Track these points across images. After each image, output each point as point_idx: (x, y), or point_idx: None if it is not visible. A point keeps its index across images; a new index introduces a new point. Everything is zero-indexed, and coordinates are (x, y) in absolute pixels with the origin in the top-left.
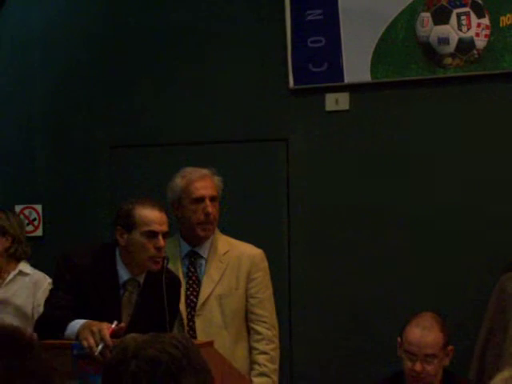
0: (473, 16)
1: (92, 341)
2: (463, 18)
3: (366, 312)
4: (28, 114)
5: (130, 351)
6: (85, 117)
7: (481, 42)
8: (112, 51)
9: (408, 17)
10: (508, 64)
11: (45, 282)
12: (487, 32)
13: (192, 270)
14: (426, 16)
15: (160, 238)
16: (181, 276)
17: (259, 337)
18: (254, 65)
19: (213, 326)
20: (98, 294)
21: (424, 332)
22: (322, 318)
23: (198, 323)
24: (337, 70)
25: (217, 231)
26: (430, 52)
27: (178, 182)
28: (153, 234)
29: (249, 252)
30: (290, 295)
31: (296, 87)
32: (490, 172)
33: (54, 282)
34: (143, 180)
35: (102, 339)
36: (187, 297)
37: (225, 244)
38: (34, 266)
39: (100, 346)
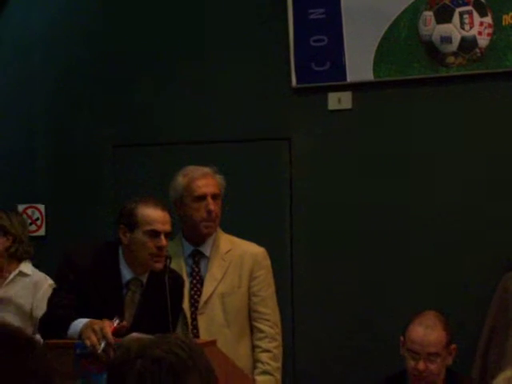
0: (475, 15)
1: (94, 339)
2: (466, 16)
3: (369, 310)
4: (30, 113)
5: (133, 351)
6: (87, 116)
7: (483, 41)
8: (113, 51)
9: (411, 15)
10: (511, 62)
11: (45, 283)
12: (490, 31)
13: (196, 269)
14: (428, 15)
15: (162, 237)
16: (185, 276)
17: (262, 335)
18: (256, 64)
19: (215, 324)
20: (100, 294)
21: (427, 331)
22: (324, 317)
23: (201, 321)
24: (339, 69)
25: (219, 230)
26: (432, 51)
27: (180, 180)
28: (155, 234)
29: (251, 250)
30: (292, 293)
31: (298, 86)
32: (492, 171)
33: (57, 282)
34: (146, 179)
35: (104, 337)
36: (191, 296)
37: (227, 242)
38: (37, 265)
39: (102, 344)
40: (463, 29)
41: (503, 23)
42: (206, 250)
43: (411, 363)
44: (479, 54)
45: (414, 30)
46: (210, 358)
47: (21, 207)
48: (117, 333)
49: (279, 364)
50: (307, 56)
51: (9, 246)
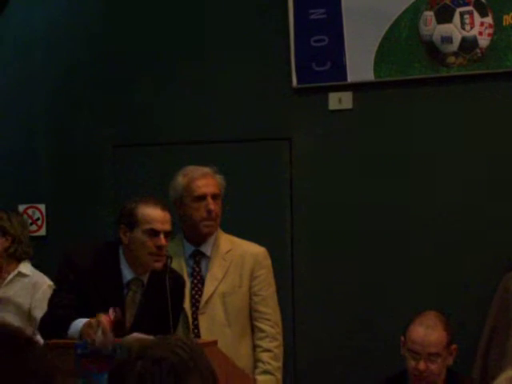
0: (476, 15)
1: (91, 332)
2: (466, 16)
3: (369, 310)
4: (31, 113)
5: (134, 352)
6: (87, 116)
7: (484, 41)
8: (114, 51)
9: (411, 15)
10: (511, 63)
11: (44, 283)
12: (490, 31)
13: (197, 269)
14: (429, 15)
15: (161, 236)
16: (185, 276)
17: (263, 334)
18: (257, 64)
19: (216, 324)
20: (101, 294)
21: (427, 331)
22: (325, 316)
23: (202, 321)
24: (340, 69)
25: (219, 230)
26: (433, 51)
27: (180, 180)
28: (154, 233)
29: (252, 250)
30: (293, 293)
31: (299, 86)
32: (492, 171)
33: (57, 282)
34: (146, 179)
35: (99, 327)
36: (192, 296)
37: (228, 242)
38: (38, 265)
39: (99, 333)
40: (464, 29)
41: (504, 23)
42: (207, 249)
43: (412, 363)
44: (480, 54)
45: (414, 30)
46: (210, 359)
47: (21, 207)
48: (117, 327)
49: (280, 364)
50: (308, 56)
51: (8, 247)
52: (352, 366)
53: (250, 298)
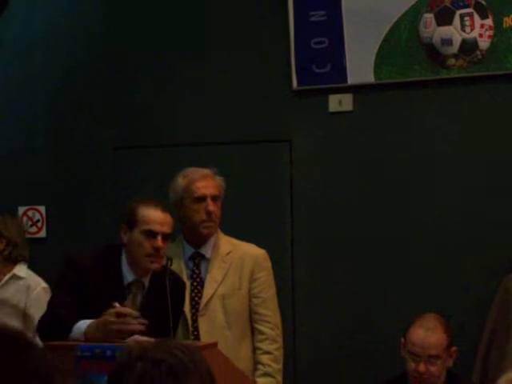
0: (476, 17)
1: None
2: (466, 18)
3: (369, 312)
4: (31, 115)
5: (134, 354)
6: (87, 118)
7: (484, 43)
8: (114, 52)
9: (411, 18)
10: (511, 65)
11: (38, 285)
12: (490, 33)
13: (196, 271)
14: (429, 17)
15: (159, 238)
16: (185, 278)
17: (263, 336)
18: (257, 66)
19: (216, 326)
20: (102, 295)
21: (428, 333)
22: (325, 318)
23: (202, 323)
24: (340, 71)
25: (219, 231)
26: (433, 53)
27: (180, 181)
28: (151, 234)
29: (252, 252)
30: (293, 295)
31: (299, 88)
32: (493, 173)
33: (58, 283)
34: (146, 181)
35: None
36: (192, 298)
37: (227, 244)
38: (38, 267)
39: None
40: (464, 31)
41: (504, 25)
42: (207, 251)
43: (412, 365)
44: (480, 57)
45: (414, 32)
46: (209, 361)
47: (21, 209)
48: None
49: (280, 366)
50: (308, 58)
51: (2, 249)
52: (352, 367)
53: (250, 300)
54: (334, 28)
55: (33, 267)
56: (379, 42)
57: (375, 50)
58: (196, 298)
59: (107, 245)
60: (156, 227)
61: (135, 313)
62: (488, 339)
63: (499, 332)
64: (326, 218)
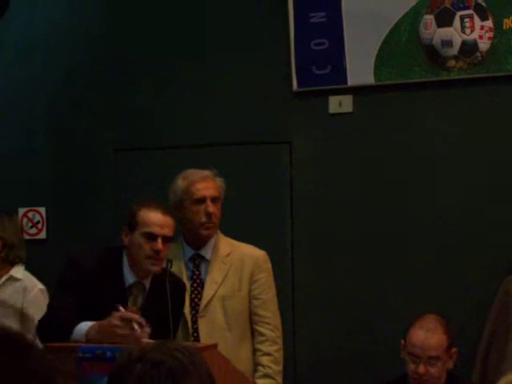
0: (476, 18)
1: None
2: (466, 20)
3: (369, 314)
4: (31, 116)
5: (133, 355)
6: (88, 119)
7: (484, 45)
8: (115, 54)
9: (411, 19)
10: (511, 66)
11: (35, 287)
12: (490, 34)
13: (196, 273)
14: (429, 18)
15: (159, 241)
16: (185, 279)
17: (263, 338)
18: (257, 67)
19: (216, 327)
20: (103, 296)
21: (428, 334)
22: (325, 320)
23: (202, 325)
24: (340, 73)
25: (219, 233)
26: (433, 54)
27: (180, 183)
28: (152, 236)
29: (252, 253)
30: (293, 297)
31: (299, 90)
32: (493, 174)
33: (59, 284)
34: (147, 183)
35: (134, 320)
36: (192, 300)
37: (227, 245)
38: (38, 268)
39: (135, 326)
40: (464, 32)
41: (504, 27)
42: (207, 253)
43: (412, 367)
44: (480, 58)
45: (414, 34)
46: (209, 363)
47: (21, 210)
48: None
49: (280, 367)
50: (308, 59)
51: None
52: (352, 369)
53: (250, 302)
54: (334, 29)
55: (33, 269)
56: (379, 43)
57: (375, 52)
58: (196, 300)
59: (109, 246)
60: (156, 230)
61: (140, 319)
62: (487, 341)
63: (499, 334)
64: (326, 219)
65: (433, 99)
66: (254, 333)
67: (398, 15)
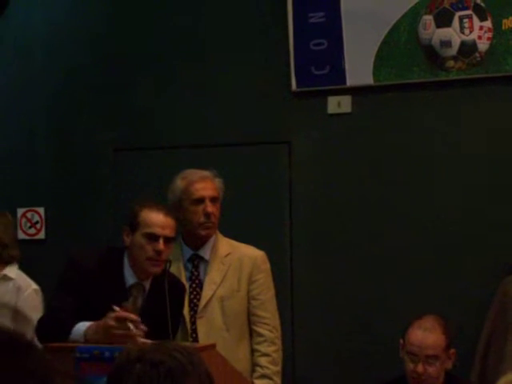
0: (475, 19)
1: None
2: (465, 20)
3: (368, 314)
4: (31, 116)
5: (133, 355)
6: (88, 119)
7: (483, 45)
8: (115, 54)
9: (410, 20)
10: (510, 67)
11: (28, 287)
12: (489, 35)
13: (195, 273)
14: (428, 19)
15: (160, 241)
16: (184, 280)
17: (261, 339)
18: (256, 67)
19: (214, 328)
20: (103, 297)
21: (426, 333)
22: (324, 320)
23: (200, 325)
24: (339, 73)
25: (218, 233)
26: (432, 55)
27: (179, 183)
28: (153, 237)
29: (250, 254)
30: (292, 297)
31: (298, 90)
32: (492, 175)
33: (59, 284)
34: (146, 183)
35: (129, 320)
36: (190, 300)
37: (226, 246)
38: (37, 269)
39: (131, 326)
40: (463, 33)
41: (503, 27)
42: (205, 253)
43: (410, 366)
44: (479, 59)
45: (413, 34)
46: (208, 363)
47: (20, 210)
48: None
49: (278, 368)
50: (307, 60)
51: None
52: (351, 369)
53: (249, 302)
54: (333, 30)
55: (31, 269)
56: (378, 43)
57: (374, 52)
58: (195, 300)
59: (110, 247)
60: (157, 230)
61: (135, 317)
62: (486, 341)
63: (497, 334)
64: (325, 219)
65: (432, 99)
66: (252, 333)
67: (397, 15)
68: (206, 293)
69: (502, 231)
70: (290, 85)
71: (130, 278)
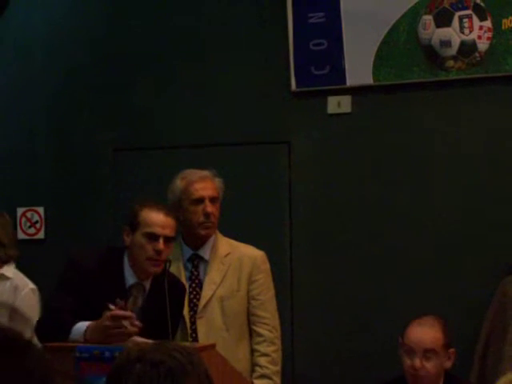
0: (475, 19)
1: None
2: (465, 20)
3: (368, 314)
4: (30, 116)
5: (133, 355)
6: (88, 119)
7: (483, 45)
8: (114, 54)
9: (410, 19)
10: (510, 67)
11: (26, 287)
12: (489, 35)
13: (195, 273)
14: (427, 19)
15: (160, 241)
16: (183, 280)
17: (261, 339)
18: (256, 67)
19: (214, 327)
20: (103, 297)
21: (424, 328)
22: (323, 320)
23: (200, 325)
24: (339, 73)
25: (218, 233)
26: (432, 55)
27: (178, 183)
28: (153, 236)
29: (250, 254)
30: (291, 297)
31: (298, 90)
32: (492, 175)
33: (59, 284)
34: (146, 183)
35: (123, 317)
36: (190, 300)
37: (226, 246)
38: (36, 268)
39: (126, 323)
40: (463, 33)
41: (503, 27)
42: (205, 253)
43: (407, 362)
44: (479, 58)
45: (413, 34)
46: (207, 363)
47: (20, 210)
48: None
49: (278, 368)
50: (307, 60)
51: None
52: (351, 369)
53: (249, 302)
54: (332, 30)
55: (31, 269)
56: (378, 43)
57: (374, 52)
58: (194, 300)
59: (111, 247)
60: (158, 230)
61: (129, 314)
62: (485, 341)
63: (496, 334)
64: (324, 219)
65: (431, 99)
66: (252, 333)
67: (397, 15)
68: (206, 293)
69: (501, 231)
70: (289, 85)
71: (130, 278)
